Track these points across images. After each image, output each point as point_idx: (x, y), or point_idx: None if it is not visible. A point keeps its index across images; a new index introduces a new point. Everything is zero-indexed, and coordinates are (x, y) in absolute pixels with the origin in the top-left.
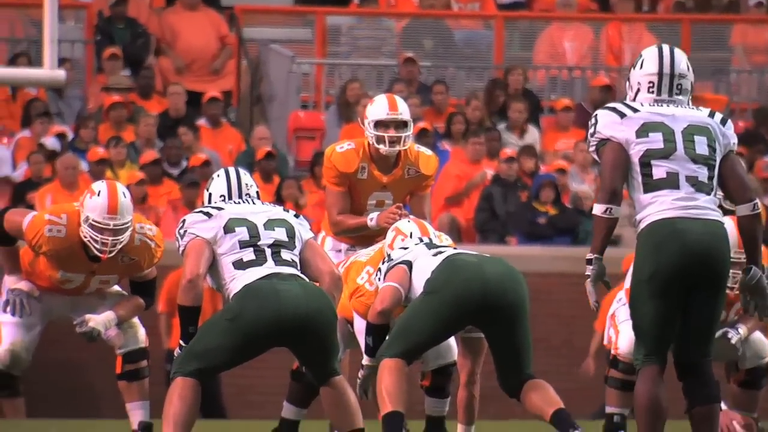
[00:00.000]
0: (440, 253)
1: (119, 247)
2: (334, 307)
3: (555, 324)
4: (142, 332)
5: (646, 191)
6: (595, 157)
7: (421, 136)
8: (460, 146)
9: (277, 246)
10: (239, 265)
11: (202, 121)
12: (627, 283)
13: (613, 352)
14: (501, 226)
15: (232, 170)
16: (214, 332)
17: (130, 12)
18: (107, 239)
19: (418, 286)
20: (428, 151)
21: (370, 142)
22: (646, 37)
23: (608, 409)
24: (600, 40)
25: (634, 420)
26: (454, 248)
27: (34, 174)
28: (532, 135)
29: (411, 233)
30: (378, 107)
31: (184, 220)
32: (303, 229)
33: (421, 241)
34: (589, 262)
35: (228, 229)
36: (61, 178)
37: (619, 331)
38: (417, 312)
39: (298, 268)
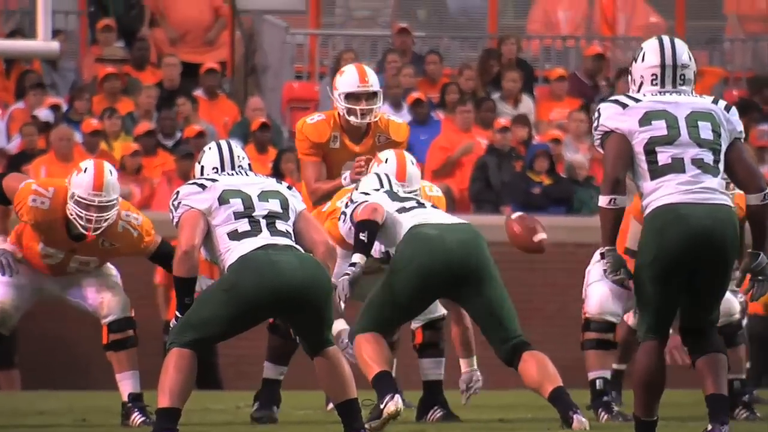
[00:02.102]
0: (404, 210)
1: (104, 225)
2: (329, 277)
3: (550, 293)
4: (126, 301)
5: (652, 178)
6: (600, 150)
7: (415, 106)
8: (453, 116)
9: (271, 217)
10: (234, 236)
11: (199, 92)
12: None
13: (583, 315)
14: (495, 196)
15: (223, 143)
16: (210, 303)
17: None
18: (92, 216)
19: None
20: (398, 119)
21: (341, 113)
22: (640, 7)
23: (590, 375)
24: (594, 10)
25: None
26: (419, 203)
27: (28, 146)
28: (527, 105)
29: (386, 174)
30: (348, 79)
31: (178, 191)
32: (296, 201)
33: (382, 186)
34: (603, 255)
35: (222, 200)
36: (56, 149)
37: (588, 295)
38: (387, 289)
39: (293, 238)
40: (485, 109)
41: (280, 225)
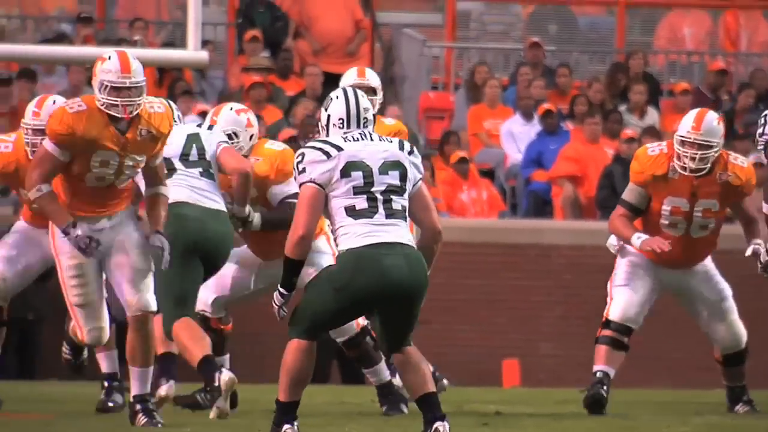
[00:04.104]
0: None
1: (137, 104)
2: (427, 277)
3: None
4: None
5: None
6: (764, 157)
7: (546, 117)
8: (582, 127)
9: (389, 192)
10: (351, 212)
11: None
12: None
13: (605, 315)
14: None
15: (350, 92)
16: (321, 299)
17: None
18: (125, 99)
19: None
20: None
21: None
22: (762, 24)
23: (595, 368)
24: (718, 26)
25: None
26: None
27: None
28: (652, 116)
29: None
30: (349, 76)
31: (303, 153)
32: (416, 169)
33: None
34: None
35: (344, 173)
36: None
37: (613, 299)
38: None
39: (407, 214)
40: (612, 120)
41: (396, 202)
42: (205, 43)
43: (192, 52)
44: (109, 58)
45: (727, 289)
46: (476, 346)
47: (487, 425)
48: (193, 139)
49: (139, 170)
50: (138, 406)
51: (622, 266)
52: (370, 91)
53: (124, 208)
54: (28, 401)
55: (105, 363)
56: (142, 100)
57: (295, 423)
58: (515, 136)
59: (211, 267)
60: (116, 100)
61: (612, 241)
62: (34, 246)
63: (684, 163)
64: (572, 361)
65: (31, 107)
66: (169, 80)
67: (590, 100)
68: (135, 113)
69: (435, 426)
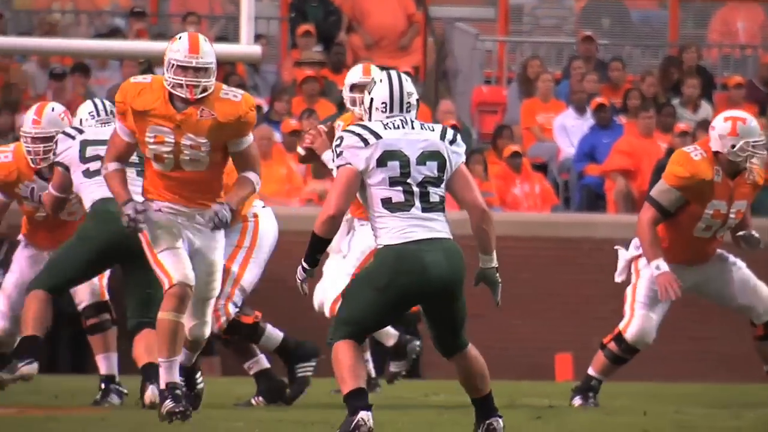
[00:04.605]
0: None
1: (203, 88)
2: (464, 268)
3: None
4: (97, 285)
5: None
6: None
7: (599, 111)
8: (635, 121)
9: (426, 183)
10: (387, 205)
11: None
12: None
13: (621, 329)
14: None
15: (395, 75)
16: (363, 302)
17: None
18: (191, 79)
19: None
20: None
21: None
22: None
23: (591, 372)
24: None
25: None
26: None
27: None
28: (705, 110)
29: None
30: (354, 73)
31: (342, 137)
32: (456, 157)
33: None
34: None
35: (381, 161)
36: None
37: (634, 317)
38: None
39: (444, 206)
40: (666, 114)
41: (434, 194)
42: (258, 38)
43: (245, 47)
44: (180, 38)
45: (739, 260)
46: (529, 340)
47: (540, 419)
48: None
49: (205, 154)
50: (167, 393)
51: (645, 280)
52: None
53: (211, 202)
54: (82, 395)
55: (104, 365)
56: (211, 83)
57: (370, 410)
58: (568, 130)
59: (136, 262)
60: (181, 80)
61: (627, 255)
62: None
63: (752, 165)
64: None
65: (30, 115)
66: (222, 74)
67: (643, 94)
68: (201, 95)
69: (489, 421)
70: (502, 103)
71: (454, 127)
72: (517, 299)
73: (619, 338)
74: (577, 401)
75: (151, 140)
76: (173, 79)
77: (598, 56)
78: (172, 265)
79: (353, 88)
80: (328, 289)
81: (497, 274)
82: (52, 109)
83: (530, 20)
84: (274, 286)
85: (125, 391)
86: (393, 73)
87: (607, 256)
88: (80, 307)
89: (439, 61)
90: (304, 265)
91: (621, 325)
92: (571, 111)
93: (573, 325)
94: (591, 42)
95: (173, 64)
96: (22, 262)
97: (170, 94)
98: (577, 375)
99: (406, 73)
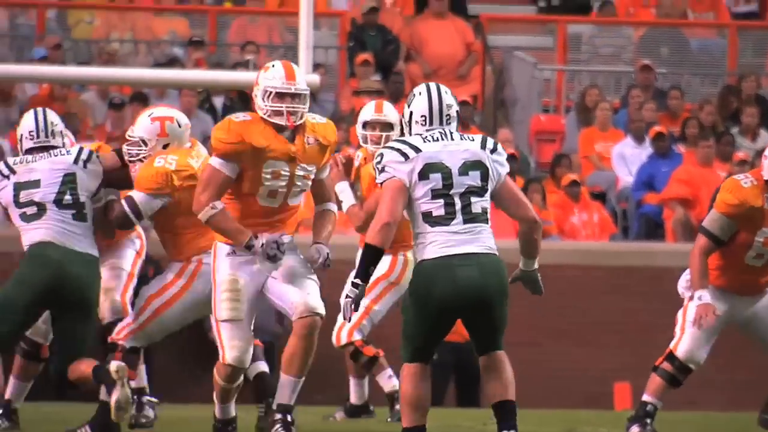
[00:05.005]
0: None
1: (301, 113)
2: (507, 283)
3: None
4: (119, 302)
5: None
6: None
7: (657, 140)
8: (694, 149)
9: (468, 194)
10: (428, 219)
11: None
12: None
13: (672, 348)
14: None
15: (434, 88)
16: (412, 320)
17: (381, 20)
18: (289, 105)
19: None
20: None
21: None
22: None
23: (646, 398)
24: None
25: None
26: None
27: None
28: (764, 139)
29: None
30: (366, 111)
31: (382, 154)
32: (499, 167)
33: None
34: None
35: (422, 175)
36: None
37: (684, 336)
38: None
39: (488, 215)
40: (724, 143)
41: (476, 204)
42: (316, 67)
43: (303, 75)
44: (273, 66)
45: None
46: (588, 368)
47: None
48: (69, 180)
49: (309, 183)
50: (278, 416)
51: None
52: (387, 126)
53: (292, 233)
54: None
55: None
56: (306, 109)
57: None
58: (626, 158)
59: (67, 310)
60: (281, 107)
61: (683, 283)
62: None
63: None
64: (684, 384)
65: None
66: None
67: (701, 123)
68: (299, 122)
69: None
70: (560, 131)
71: (511, 156)
72: (575, 327)
73: (671, 357)
74: (635, 429)
75: (269, 176)
76: (271, 107)
77: (656, 85)
78: (228, 341)
79: (366, 125)
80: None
81: (539, 274)
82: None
83: (588, 49)
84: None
85: (156, 400)
86: (432, 85)
87: (665, 285)
88: (103, 323)
89: (498, 90)
90: (356, 281)
91: (672, 344)
92: (629, 140)
93: (631, 354)
94: (649, 71)
95: (270, 92)
96: None
97: (274, 126)
98: (636, 403)
99: (465, 102)
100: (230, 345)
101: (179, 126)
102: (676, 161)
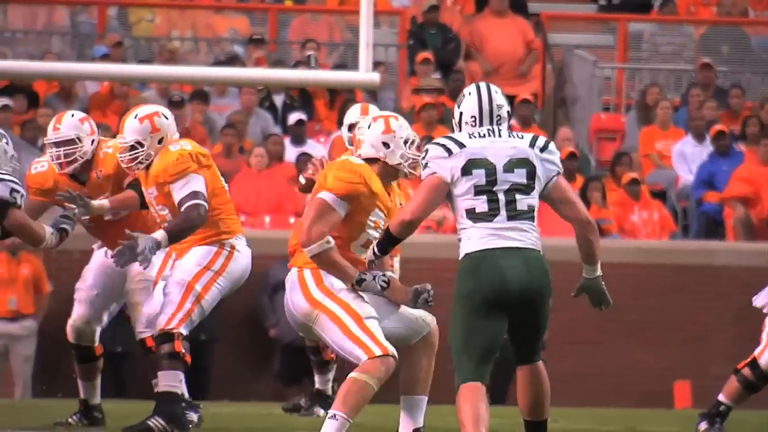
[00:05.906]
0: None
1: None
2: (550, 282)
3: None
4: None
5: None
6: None
7: (718, 138)
8: (755, 148)
9: (513, 191)
10: (471, 215)
11: (513, 122)
12: None
13: (756, 356)
14: None
15: (483, 88)
16: (461, 321)
17: (442, 18)
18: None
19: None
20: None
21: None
22: None
23: (721, 398)
24: None
25: None
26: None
27: None
28: None
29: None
30: (351, 113)
31: (427, 150)
32: (549, 165)
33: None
34: None
35: (465, 170)
36: None
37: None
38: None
39: (534, 214)
40: None
41: (521, 202)
42: (376, 65)
43: (364, 74)
44: (398, 118)
45: None
46: (648, 367)
47: None
48: None
49: None
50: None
51: None
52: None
53: None
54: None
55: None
56: None
57: None
58: (687, 157)
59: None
60: (418, 156)
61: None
62: (111, 276)
63: None
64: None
65: (51, 123)
66: (340, 102)
67: (762, 121)
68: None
69: None
70: (620, 130)
71: (571, 154)
72: (635, 326)
73: (753, 364)
74: (703, 426)
75: (372, 225)
76: (413, 156)
77: (717, 83)
78: (379, 336)
79: (351, 127)
80: None
81: (603, 283)
82: (72, 115)
83: (649, 47)
84: None
85: (200, 405)
86: (482, 85)
87: (725, 284)
88: (140, 336)
89: (558, 88)
90: (376, 250)
91: (756, 352)
92: (689, 138)
93: (691, 353)
94: (710, 69)
95: (413, 141)
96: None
97: (387, 177)
98: (696, 402)
99: (525, 100)
100: (383, 339)
101: (166, 118)
102: (737, 160)
